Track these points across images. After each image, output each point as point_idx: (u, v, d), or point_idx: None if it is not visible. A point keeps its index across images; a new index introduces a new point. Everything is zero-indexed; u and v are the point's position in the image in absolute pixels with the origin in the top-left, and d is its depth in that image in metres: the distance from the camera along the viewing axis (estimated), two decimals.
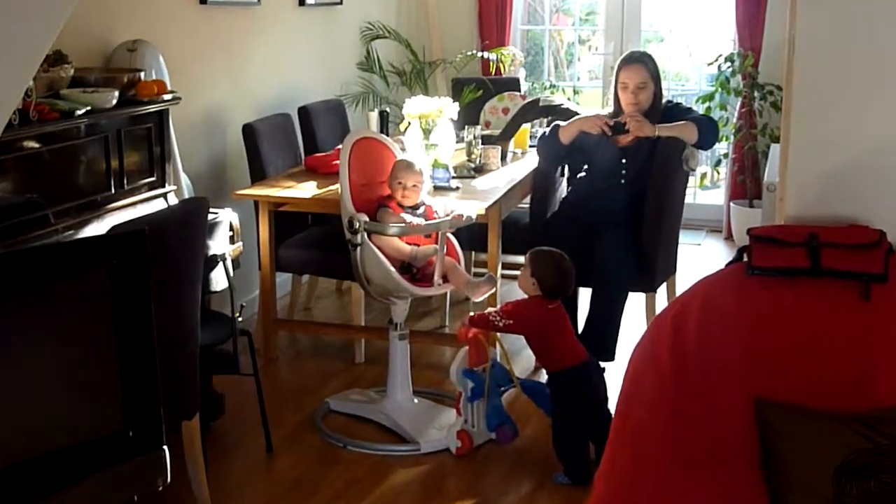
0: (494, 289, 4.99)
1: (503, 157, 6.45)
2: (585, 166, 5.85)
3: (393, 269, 4.80)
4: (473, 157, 6.30)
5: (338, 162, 5.33)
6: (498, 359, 4.91)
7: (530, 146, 6.77)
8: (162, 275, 3.60)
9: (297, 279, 6.70)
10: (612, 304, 5.40)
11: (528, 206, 5.98)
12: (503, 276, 6.27)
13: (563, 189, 6.07)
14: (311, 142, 6.81)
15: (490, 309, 4.67)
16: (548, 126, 5.84)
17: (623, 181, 5.66)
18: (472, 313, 4.63)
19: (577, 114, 5.86)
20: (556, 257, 4.64)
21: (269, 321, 5.99)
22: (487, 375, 4.70)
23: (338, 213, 5.02)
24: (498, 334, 4.81)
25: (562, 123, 5.67)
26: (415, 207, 5.01)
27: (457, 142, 6.33)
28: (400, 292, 4.95)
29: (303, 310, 6.93)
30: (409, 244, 4.94)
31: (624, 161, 5.64)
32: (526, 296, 4.73)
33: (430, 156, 6.02)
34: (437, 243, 4.92)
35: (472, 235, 5.90)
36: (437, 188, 5.65)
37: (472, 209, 5.13)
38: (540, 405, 4.81)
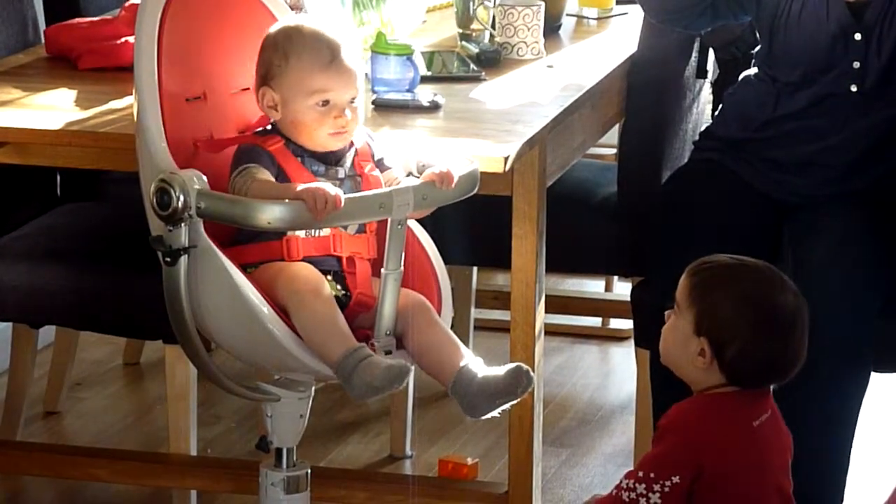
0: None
1: (551, 30, 4.78)
2: (758, 48, 4.36)
3: (268, 307, 3.26)
4: (476, 27, 4.75)
5: (129, 39, 4.25)
6: None
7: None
8: None
9: (25, 337, 4.89)
10: (834, 405, 3.90)
11: (614, 150, 5.00)
12: (548, 333, 4.58)
13: (702, 107, 4.76)
14: None
15: (626, 481, 3.26)
16: None
17: (855, 88, 4.16)
18: (594, 496, 3.56)
19: None
20: (762, 282, 3.24)
21: None
22: None
23: (130, 173, 3.75)
24: None
25: None
26: (331, 155, 3.43)
27: None
28: (289, 369, 3.45)
29: (41, 416, 5.15)
30: (318, 258, 3.35)
31: (858, 38, 4.12)
32: (691, 386, 3.33)
33: (364, 23, 4.53)
34: (380, 253, 3.50)
35: (472, 230, 4.46)
36: (380, 106, 4.04)
37: (473, 159, 3.64)
38: None
